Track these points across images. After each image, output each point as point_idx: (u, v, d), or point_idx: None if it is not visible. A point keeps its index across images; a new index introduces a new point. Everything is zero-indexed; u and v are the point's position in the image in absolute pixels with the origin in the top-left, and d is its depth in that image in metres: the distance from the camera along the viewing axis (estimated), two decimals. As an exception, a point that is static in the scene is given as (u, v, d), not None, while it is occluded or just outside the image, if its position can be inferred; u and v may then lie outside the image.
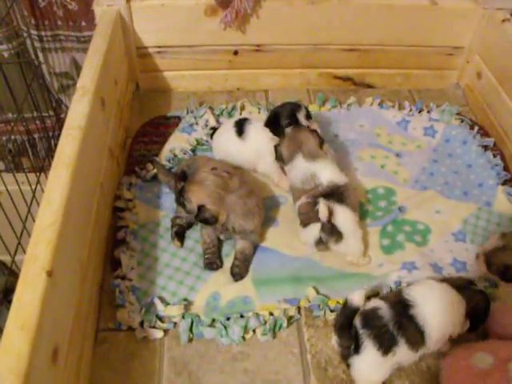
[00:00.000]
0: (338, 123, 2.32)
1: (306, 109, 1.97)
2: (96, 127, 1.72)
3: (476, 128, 2.32)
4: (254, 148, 2.00)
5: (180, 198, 1.70)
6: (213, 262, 1.74)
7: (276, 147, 1.90)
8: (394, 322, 1.40)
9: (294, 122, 1.91)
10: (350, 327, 1.41)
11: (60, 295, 1.26)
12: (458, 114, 2.39)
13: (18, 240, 2.02)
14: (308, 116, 1.95)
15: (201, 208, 1.65)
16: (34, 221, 1.30)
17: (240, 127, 2.02)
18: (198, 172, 1.72)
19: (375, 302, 1.47)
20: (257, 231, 1.79)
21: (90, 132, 1.60)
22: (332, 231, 1.70)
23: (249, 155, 2.03)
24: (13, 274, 2.09)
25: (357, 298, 1.38)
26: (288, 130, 1.89)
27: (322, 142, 1.86)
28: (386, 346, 1.39)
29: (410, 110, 2.40)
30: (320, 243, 1.75)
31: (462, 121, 2.35)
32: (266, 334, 1.60)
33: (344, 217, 1.71)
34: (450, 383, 1.45)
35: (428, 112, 2.40)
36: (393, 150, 2.21)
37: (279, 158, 1.91)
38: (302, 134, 1.87)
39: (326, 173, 1.80)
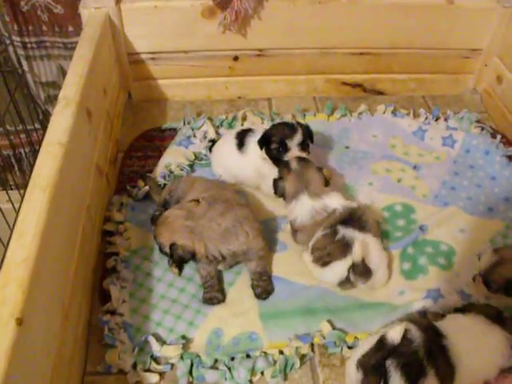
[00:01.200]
0: (348, 133, 2.15)
1: (306, 132, 1.74)
2: (81, 142, 1.54)
3: (498, 137, 2.14)
4: (256, 165, 1.81)
5: (159, 246, 1.55)
6: (212, 297, 1.56)
7: (276, 181, 1.68)
8: (425, 350, 1.23)
9: (284, 148, 1.70)
10: (384, 366, 1.22)
11: (34, 346, 1.07)
12: (477, 121, 2.22)
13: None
14: (304, 143, 1.72)
15: (172, 247, 1.48)
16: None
17: (241, 140, 1.83)
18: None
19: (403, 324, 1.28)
20: (254, 246, 1.56)
21: (73, 148, 1.42)
22: (365, 271, 1.51)
23: (250, 172, 1.84)
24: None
25: (398, 336, 1.20)
26: (294, 165, 1.66)
27: (327, 182, 1.67)
28: (413, 377, 1.20)
29: (426, 118, 2.22)
30: (346, 283, 1.55)
31: (483, 129, 2.18)
32: (275, 376, 1.41)
33: (373, 250, 1.53)
34: None
35: (445, 120, 2.22)
36: (409, 163, 2.03)
37: (280, 194, 1.69)
38: (309, 173, 1.66)
39: (337, 200, 1.63)
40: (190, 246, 1.47)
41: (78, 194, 1.50)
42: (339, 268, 1.53)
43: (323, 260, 1.56)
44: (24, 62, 2.25)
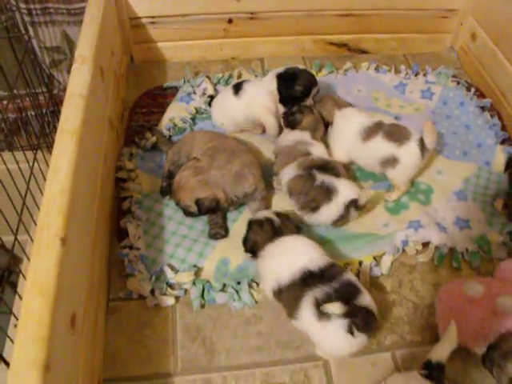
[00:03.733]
0: (335, 88, 2.31)
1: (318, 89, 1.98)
2: (97, 97, 1.70)
3: (472, 89, 2.33)
4: (249, 99, 1.97)
5: (183, 210, 1.73)
6: (216, 233, 1.74)
7: (294, 114, 1.88)
8: None
9: (306, 94, 1.92)
10: None
11: (74, 262, 1.25)
12: (453, 76, 2.40)
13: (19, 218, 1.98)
14: (318, 94, 1.97)
15: (198, 202, 1.66)
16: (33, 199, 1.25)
17: (238, 87, 2.00)
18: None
19: None
20: (259, 187, 1.76)
21: (91, 101, 1.57)
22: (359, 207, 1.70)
23: (244, 108, 1.99)
24: (13, 256, 2.04)
25: None
26: (316, 111, 1.90)
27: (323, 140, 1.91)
28: None
29: (407, 74, 2.40)
30: (338, 221, 1.73)
31: (459, 83, 2.36)
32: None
33: (355, 192, 1.70)
34: (441, 304, 1.54)
35: (424, 75, 2.40)
36: (391, 113, 2.21)
37: (294, 124, 1.88)
38: (321, 123, 1.91)
39: (318, 151, 1.82)
40: (213, 195, 1.66)
41: (97, 143, 1.66)
42: (329, 211, 1.70)
43: (310, 206, 1.72)
44: (30, 28, 2.35)
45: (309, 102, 1.94)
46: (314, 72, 2.35)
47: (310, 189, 1.70)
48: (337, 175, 1.72)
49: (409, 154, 1.80)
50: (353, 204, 1.67)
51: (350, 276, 1.44)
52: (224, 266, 1.67)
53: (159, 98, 2.24)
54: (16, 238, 1.92)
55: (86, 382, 1.28)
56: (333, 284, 1.39)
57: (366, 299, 1.40)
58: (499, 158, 2.05)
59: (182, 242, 1.73)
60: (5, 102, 2.44)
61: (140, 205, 1.81)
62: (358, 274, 1.68)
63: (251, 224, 1.59)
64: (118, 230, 1.76)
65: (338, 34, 2.50)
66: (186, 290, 1.62)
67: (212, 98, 2.15)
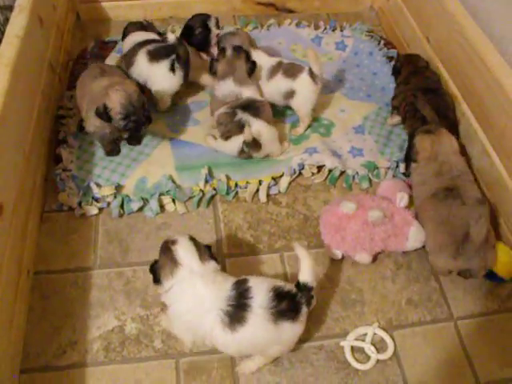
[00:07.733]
0: (258, 41, 2.50)
1: (216, 19, 2.27)
2: (34, 40, 1.96)
3: (382, 42, 2.61)
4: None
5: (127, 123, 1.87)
6: (113, 150, 2.03)
7: (213, 62, 2.11)
8: None
9: (206, 30, 2.20)
10: None
11: (3, 164, 1.53)
12: (368, 31, 2.68)
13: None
14: (218, 25, 2.27)
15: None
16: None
17: None
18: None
19: None
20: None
21: (28, 42, 1.84)
22: (254, 145, 1.96)
23: None
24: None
25: None
26: (229, 53, 2.09)
27: (252, 71, 2.09)
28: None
29: (325, 29, 2.67)
30: (242, 153, 2.00)
31: (372, 37, 2.64)
32: (184, 206, 1.92)
33: (262, 131, 1.96)
34: (322, 222, 1.82)
35: (341, 30, 2.68)
36: (306, 62, 2.43)
37: (213, 72, 2.12)
38: (238, 62, 2.08)
39: (248, 93, 2.05)
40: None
41: (33, 79, 1.93)
42: (237, 141, 1.97)
43: (225, 135, 1.99)
44: (-18, -12, 2.61)
45: (215, 35, 2.26)
46: (238, 27, 2.63)
47: (230, 122, 1.98)
48: (255, 115, 1.97)
49: (302, 83, 2.08)
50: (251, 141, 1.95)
51: None
52: (142, 183, 1.95)
53: (101, 50, 2.50)
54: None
55: (12, 268, 1.56)
56: None
57: None
58: (399, 100, 2.31)
59: (108, 165, 2.00)
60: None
61: (74, 136, 2.08)
62: (257, 191, 1.98)
63: None
64: (54, 156, 2.03)
65: (265, -7, 2.74)
66: (108, 203, 1.90)
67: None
